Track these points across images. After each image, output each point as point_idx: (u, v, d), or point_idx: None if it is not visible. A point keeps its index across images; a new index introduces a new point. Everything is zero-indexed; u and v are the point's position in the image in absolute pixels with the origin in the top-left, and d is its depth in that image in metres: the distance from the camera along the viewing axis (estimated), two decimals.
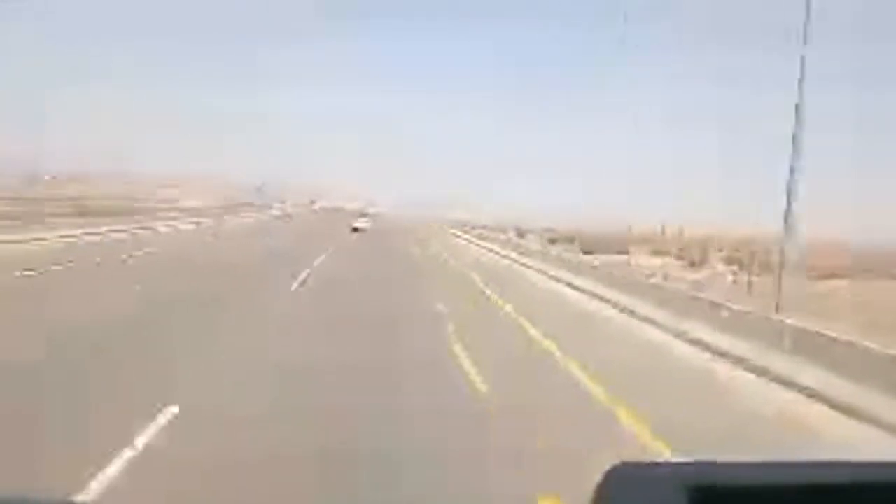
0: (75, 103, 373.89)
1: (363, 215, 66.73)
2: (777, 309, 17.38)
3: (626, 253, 56.52)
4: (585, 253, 50.30)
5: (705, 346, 14.86)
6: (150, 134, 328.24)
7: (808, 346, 12.86)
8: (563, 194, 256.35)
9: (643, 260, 51.63)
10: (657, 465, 1.02)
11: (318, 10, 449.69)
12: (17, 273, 20.20)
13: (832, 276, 42.86)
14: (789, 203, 18.55)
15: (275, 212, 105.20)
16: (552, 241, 62.01)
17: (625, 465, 1.00)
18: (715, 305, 17.35)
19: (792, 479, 1.03)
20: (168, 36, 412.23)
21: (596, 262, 37.24)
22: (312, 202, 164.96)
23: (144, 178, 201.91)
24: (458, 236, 66.66)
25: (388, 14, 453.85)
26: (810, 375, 11.59)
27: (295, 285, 21.58)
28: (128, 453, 6.68)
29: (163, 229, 46.34)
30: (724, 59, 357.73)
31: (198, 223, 56.60)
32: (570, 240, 66.01)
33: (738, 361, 13.33)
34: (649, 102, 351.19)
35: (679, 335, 16.23)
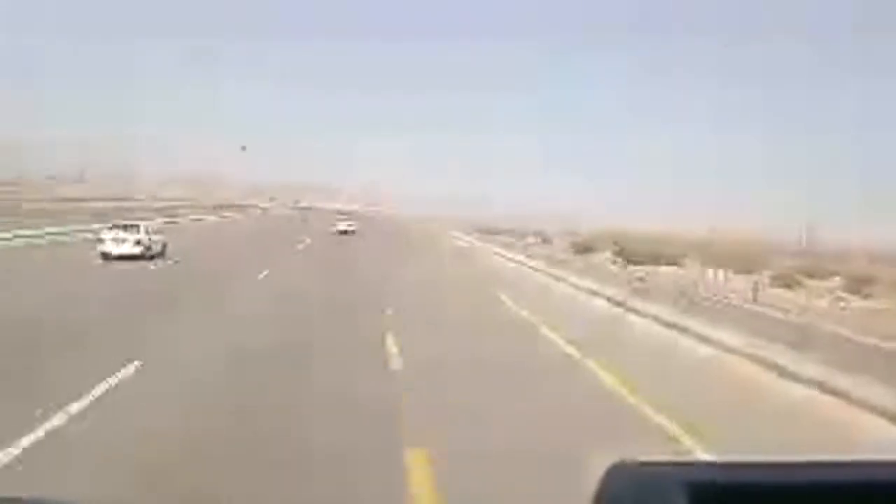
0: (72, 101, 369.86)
1: (343, 216, 62.61)
2: None
3: (675, 264, 48.47)
4: (634, 264, 41.99)
5: None
6: (147, 133, 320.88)
7: None
8: (568, 194, 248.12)
9: (705, 274, 43.51)
10: (657, 464, 0.99)
11: (318, 8, 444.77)
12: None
13: None
14: None
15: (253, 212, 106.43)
16: (586, 250, 53.46)
17: (625, 464, 0.98)
18: None
19: (792, 478, 1.00)
20: (169, 35, 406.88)
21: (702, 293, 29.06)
22: (296, 202, 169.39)
23: (143, 177, 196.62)
24: (456, 239, 58.63)
25: (391, 12, 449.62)
26: None
27: None
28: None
29: None
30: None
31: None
32: (601, 243, 57.68)
33: None
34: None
35: None
